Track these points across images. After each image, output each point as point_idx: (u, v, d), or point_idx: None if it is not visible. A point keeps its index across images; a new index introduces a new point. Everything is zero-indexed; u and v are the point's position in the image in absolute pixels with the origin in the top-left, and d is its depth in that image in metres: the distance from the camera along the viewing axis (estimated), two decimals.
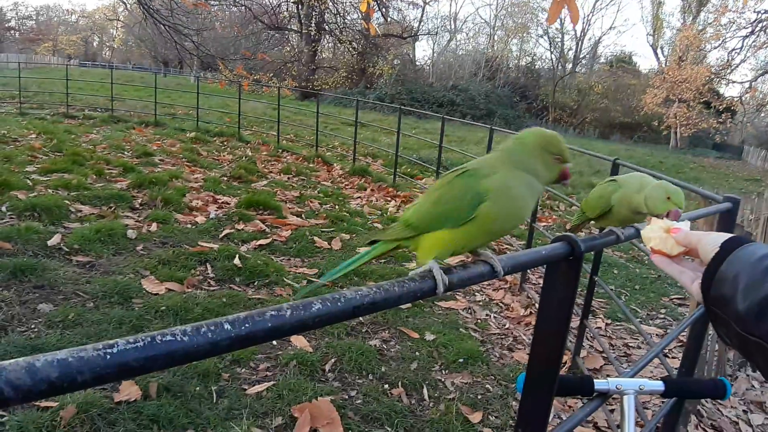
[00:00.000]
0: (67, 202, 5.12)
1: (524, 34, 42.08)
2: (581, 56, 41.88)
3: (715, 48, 33.97)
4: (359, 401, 2.94)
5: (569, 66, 41.08)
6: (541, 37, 42.08)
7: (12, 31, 56.90)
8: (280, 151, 10.72)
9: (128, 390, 2.66)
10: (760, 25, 29.88)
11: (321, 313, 0.51)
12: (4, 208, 4.90)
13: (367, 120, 16.96)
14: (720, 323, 0.73)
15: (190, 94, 16.86)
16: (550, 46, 41.26)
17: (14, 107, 13.80)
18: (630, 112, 36.97)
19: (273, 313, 0.44)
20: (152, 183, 6.08)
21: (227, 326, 0.39)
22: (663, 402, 2.21)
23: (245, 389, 2.86)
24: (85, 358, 0.33)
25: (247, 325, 0.41)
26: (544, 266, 1.03)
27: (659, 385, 1.21)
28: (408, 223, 0.88)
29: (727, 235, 0.77)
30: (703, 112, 31.83)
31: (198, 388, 2.78)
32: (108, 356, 0.34)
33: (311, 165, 9.65)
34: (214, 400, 2.73)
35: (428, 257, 0.84)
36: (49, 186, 5.71)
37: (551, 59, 41.50)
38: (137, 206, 5.48)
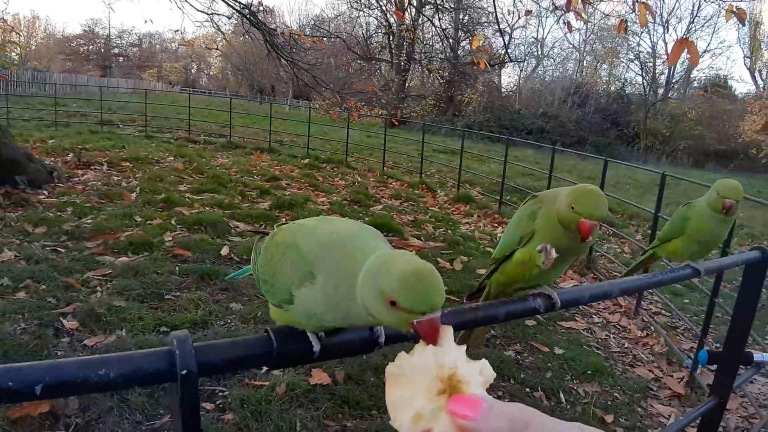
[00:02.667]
0: (225, 219, 5.91)
1: (614, 59, 41.31)
2: (674, 81, 40.50)
3: None
4: (506, 400, 3.36)
5: (661, 91, 39.82)
6: (632, 61, 41.04)
7: (119, 57, 61.83)
8: (386, 177, 11.39)
9: (320, 376, 3.22)
10: None
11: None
12: (173, 222, 5.75)
13: (457, 147, 17.39)
14: None
15: (289, 122, 18.07)
16: (641, 71, 40.15)
17: (137, 130, 15.18)
18: (726, 140, 35.14)
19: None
20: (291, 205, 6.84)
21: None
22: None
23: None
24: None
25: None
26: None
27: None
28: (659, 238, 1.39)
29: None
30: None
31: (373, 379, 3.30)
32: None
33: (416, 191, 10.21)
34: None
35: (683, 258, 1.34)
36: (205, 204, 6.58)
37: (642, 84, 40.38)
38: (283, 224, 6.22)
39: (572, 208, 1.04)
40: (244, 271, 1.16)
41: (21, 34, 51.20)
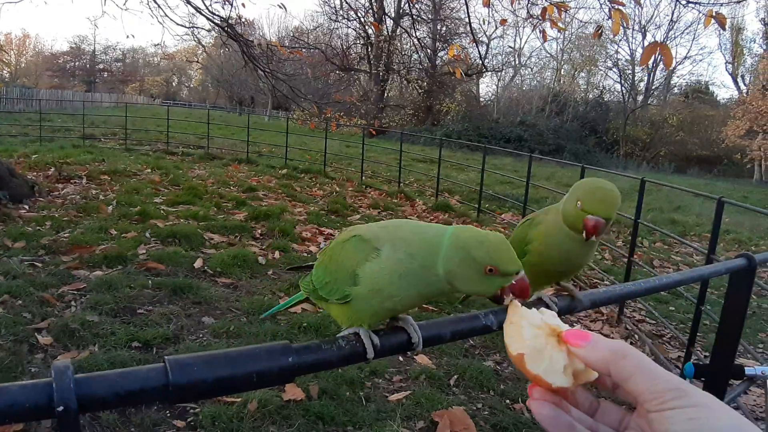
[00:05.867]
0: (199, 231, 5.78)
1: (592, 67, 41.79)
2: (654, 87, 41.01)
3: None
4: (486, 413, 3.28)
5: (641, 98, 40.32)
6: (610, 69, 41.54)
7: (103, 72, 61.86)
8: (364, 187, 11.31)
9: (293, 391, 3.11)
10: None
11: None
12: (148, 234, 5.62)
13: (436, 156, 17.40)
14: None
15: (268, 132, 17.94)
16: (620, 78, 40.65)
17: (117, 143, 15.20)
18: (708, 145, 35.66)
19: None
20: (267, 215, 6.72)
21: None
22: None
23: (387, 396, 3.26)
24: None
25: None
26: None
27: None
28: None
29: (692, 390, 0.45)
30: None
31: (348, 393, 3.20)
32: None
33: (395, 200, 10.14)
34: (364, 404, 3.14)
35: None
36: (180, 216, 6.45)
37: (621, 91, 40.87)
38: (258, 236, 6.10)
39: (578, 205, 0.94)
40: (282, 306, 1.19)
41: (11, 53, 51.15)
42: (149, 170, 10.17)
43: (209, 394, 0.58)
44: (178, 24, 8.75)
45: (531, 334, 0.56)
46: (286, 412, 2.94)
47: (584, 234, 0.94)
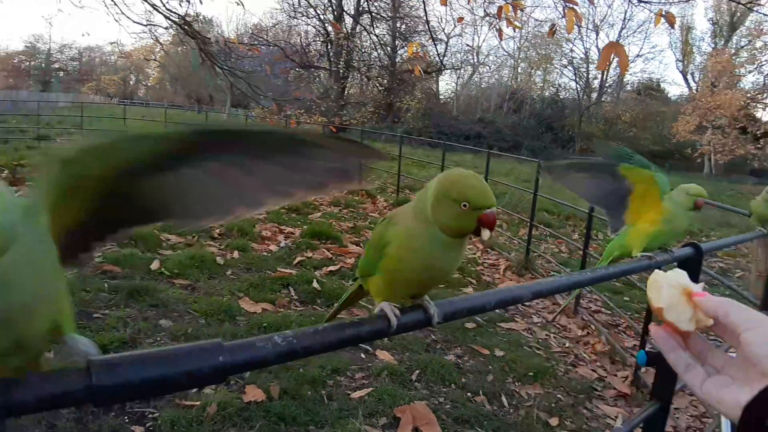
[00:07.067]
0: (156, 231, 5.65)
1: (548, 65, 42.59)
2: (607, 85, 42.05)
3: (750, 72, 33.86)
4: (448, 406, 3.31)
5: (595, 95, 41.29)
6: (566, 67, 42.39)
7: (60, 72, 59.97)
8: None
9: (254, 392, 3.08)
10: None
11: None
12: None
13: (397, 153, 17.46)
14: None
15: None
16: (575, 76, 41.53)
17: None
18: (660, 140, 36.82)
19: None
20: None
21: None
22: None
23: (349, 394, 3.26)
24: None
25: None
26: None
27: None
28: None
29: None
30: (739, 138, 31.51)
31: (310, 392, 3.18)
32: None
33: (356, 198, 10.13)
34: (326, 402, 3.13)
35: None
36: None
37: (576, 89, 41.77)
38: (216, 236, 6.00)
39: (464, 206, 0.82)
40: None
41: None
42: None
43: (136, 396, 0.57)
44: (134, 22, 8.52)
45: (668, 292, 0.74)
46: (246, 413, 2.90)
47: (485, 232, 0.83)
